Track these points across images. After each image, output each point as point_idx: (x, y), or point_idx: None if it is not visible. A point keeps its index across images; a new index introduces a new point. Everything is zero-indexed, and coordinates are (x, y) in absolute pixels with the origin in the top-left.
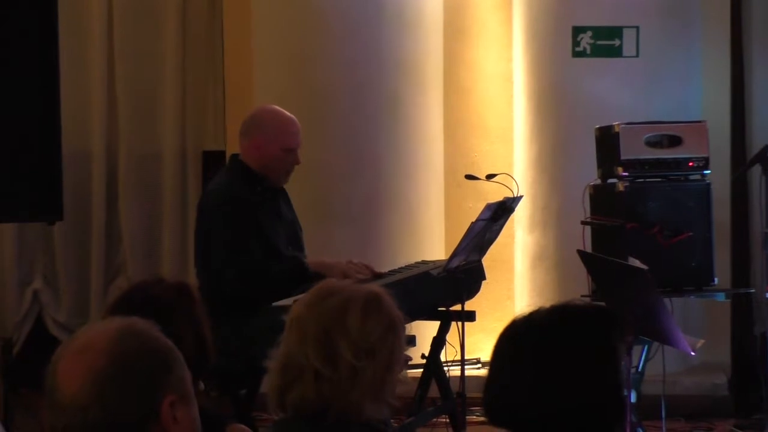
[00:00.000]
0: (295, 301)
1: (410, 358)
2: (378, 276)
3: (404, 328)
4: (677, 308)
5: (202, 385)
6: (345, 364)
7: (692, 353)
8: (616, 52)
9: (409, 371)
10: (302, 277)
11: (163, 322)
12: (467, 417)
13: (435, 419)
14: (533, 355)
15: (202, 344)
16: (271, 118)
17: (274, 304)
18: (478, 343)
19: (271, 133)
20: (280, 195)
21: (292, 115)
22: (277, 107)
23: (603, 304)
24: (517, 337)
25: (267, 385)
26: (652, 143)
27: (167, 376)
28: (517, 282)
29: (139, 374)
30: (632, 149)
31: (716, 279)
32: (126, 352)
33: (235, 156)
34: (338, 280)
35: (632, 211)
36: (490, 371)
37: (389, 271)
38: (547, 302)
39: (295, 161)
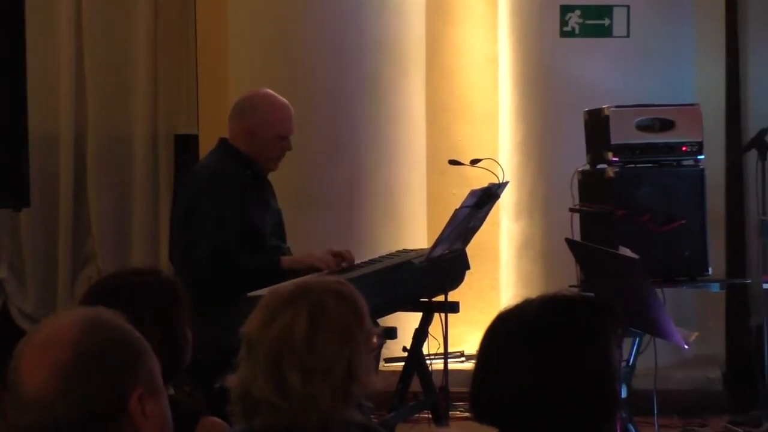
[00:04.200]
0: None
1: (382, 342)
2: (356, 266)
3: (365, 323)
4: (669, 299)
5: (171, 390)
6: (297, 393)
7: (685, 346)
8: (605, 31)
9: (390, 365)
10: (274, 274)
11: (134, 316)
12: (450, 412)
13: (417, 414)
14: (523, 349)
15: (175, 346)
16: (267, 103)
17: (250, 294)
18: (461, 336)
19: (266, 118)
20: (266, 184)
21: (286, 101)
22: (271, 92)
23: (592, 294)
24: (506, 330)
25: (231, 405)
26: (644, 127)
27: (135, 369)
28: (503, 272)
29: (105, 367)
30: (622, 133)
31: (710, 268)
32: (91, 344)
33: (223, 139)
34: (308, 274)
35: (622, 198)
36: (477, 365)
37: (369, 260)
38: (533, 293)
39: (287, 147)
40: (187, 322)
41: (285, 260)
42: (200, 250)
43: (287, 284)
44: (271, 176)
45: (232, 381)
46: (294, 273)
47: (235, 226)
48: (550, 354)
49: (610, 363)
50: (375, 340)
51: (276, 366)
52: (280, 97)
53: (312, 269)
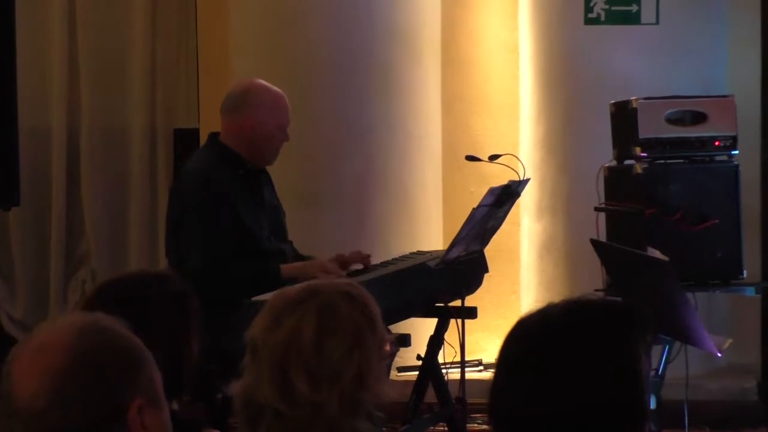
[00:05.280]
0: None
1: (395, 350)
2: (369, 268)
3: (377, 328)
4: (701, 304)
5: (175, 405)
6: (303, 400)
7: (718, 354)
8: (633, 18)
9: (403, 374)
10: (274, 283)
11: (141, 326)
12: (468, 425)
13: (432, 427)
14: (545, 357)
15: (182, 359)
16: (264, 94)
17: (254, 298)
18: (479, 343)
19: (266, 110)
20: (263, 178)
21: (279, 90)
22: (264, 81)
23: (619, 299)
24: (527, 336)
25: (235, 413)
26: (674, 120)
27: (134, 378)
28: (523, 275)
29: (103, 375)
30: (651, 127)
31: (745, 271)
32: (88, 351)
33: (214, 135)
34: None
35: (651, 196)
36: (497, 375)
37: (381, 263)
38: (556, 297)
39: (285, 138)
40: (197, 334)
41: (285, 269)
42: (192, 262)
43: (295, 286)
44: (275, 174)
45: (235, 388)
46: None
47: (227, 236)
48: (574, 362)
49: (638, 372)
50: (388, 347)
51: (282, 371)
52: (274, 87)
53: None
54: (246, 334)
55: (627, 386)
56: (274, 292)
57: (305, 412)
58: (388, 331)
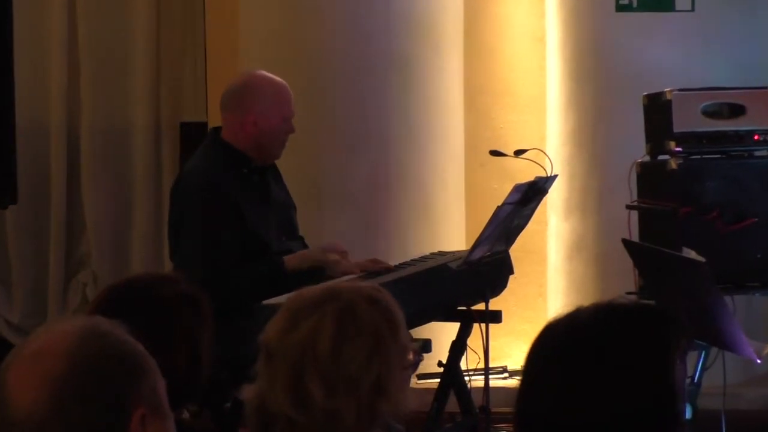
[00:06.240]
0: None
1: (419, 359)
2: (387, 270)
3: (400, 335)
4: (740, 307)
5: (186, 414)
6: (318, 408)
7: (758, 361)
8: (667, 5)
9: (423, 381)
10: (279, 279)
11: (154, 333)
12: None
13: None
14: (575, 363)
15: (196, 366)
16: (265, 85)
17: (265, 302)
18: (504, 348)
19: (269, 103)
20: (269, 172)
21: (281, 79)
22: (265, 72)
23: (652, 302)
24: (555, 341)
25: (246, 419)
26: (711, 113)
27: (137, 386)
28: (551, 276)
29: (104, 382)
30: (687, 120)
31: None
32: (88, 357)
33: (215, 132)
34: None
35: (687, 193)
36: (523, 382)
37: (400, 264)
38: (585, 300)
39: (291, 130)
40: (209, 338)
41: (290, 259)
42: (194, 271)
43: (314, 287)
44: (286, 173)
45: (247, 393)
46: (307, 277)
47: (229, 242)
48: (605, 369)
49: (673, 380)
50: (411, 356)
51: (297, 377)
52: (276, 77)
53: (318, 266)
54: (259, 339)
55: (661, 394)
56: (292, 294)
57: (319, 420)
58: (412, 339)
